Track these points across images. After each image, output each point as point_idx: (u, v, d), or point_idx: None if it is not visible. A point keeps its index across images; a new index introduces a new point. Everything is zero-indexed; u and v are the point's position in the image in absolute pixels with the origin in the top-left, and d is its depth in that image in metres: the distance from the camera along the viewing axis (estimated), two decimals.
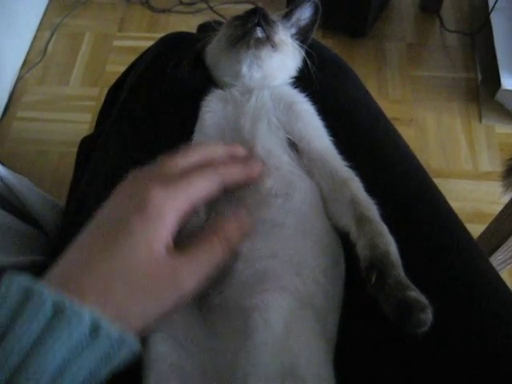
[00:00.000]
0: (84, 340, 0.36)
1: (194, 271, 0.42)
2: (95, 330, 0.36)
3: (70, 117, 1.68)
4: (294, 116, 0.58)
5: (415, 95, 1.71)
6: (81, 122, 1.65)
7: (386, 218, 0.51)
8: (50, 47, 1.87)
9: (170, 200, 0.43)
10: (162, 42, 0.76)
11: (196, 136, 0.59)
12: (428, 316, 0.43)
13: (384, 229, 0.50)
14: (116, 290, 0.39)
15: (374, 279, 0.46)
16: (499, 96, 1.61)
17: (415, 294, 0.44)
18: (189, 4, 1.95)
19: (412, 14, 1.93)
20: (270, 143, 0.56)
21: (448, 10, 1.92)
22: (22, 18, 1.82)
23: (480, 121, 1.63)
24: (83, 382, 0.36)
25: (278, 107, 0.59)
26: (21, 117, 1.69)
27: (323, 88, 0.64)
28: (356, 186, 0.54)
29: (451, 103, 1.68)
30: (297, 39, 0.66)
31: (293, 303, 0.45)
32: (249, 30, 0.60)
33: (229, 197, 0.53)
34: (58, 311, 0.35)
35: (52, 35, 1.89)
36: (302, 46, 0.66)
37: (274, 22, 0.62)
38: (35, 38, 1.89)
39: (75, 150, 0.89)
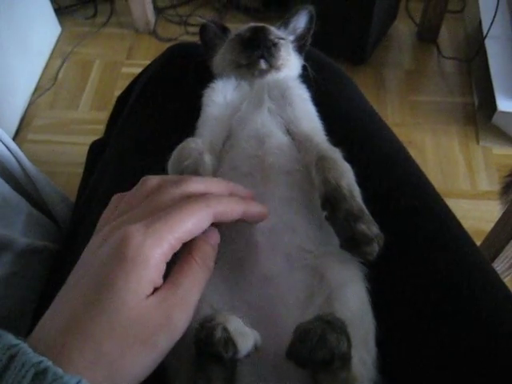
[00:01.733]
0: None
1: (184, 304, 0.40)
2: None
3: (79, 139, 1.72)
4: (287, 101, 0.62)
5: (414, 119, 1.75)
6: (89, 145, 1.69)
7: (375, 203, 0.52)
8: (60, 74, 1.94)
9: (153, 241, 0.38)
10: (170, 51, 0.81)
11: (199, 126, 0.62)
12: (373, 248, 0.46)
13: (338, 164, 0.52)
14: (107, 349, 0.36)
15: (327, 212, 0.49)
16: (496, 119, 1.65)
17: (364, 226, 0.46)
18: (194, 33, 2.03)
19: (410, 43, 2.00)
20: (271, 126, 0.60)
21: (444, 38, 1.99)
22: (35, 46, 1.90)
23: (478, 143, 1.67)
24: None
25: (273, 93, 0.63)
26: (31, 139, 1.74)
27: (321, 91, 0.67)
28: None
29: (449, 126, 1.72)
30: (295, 46, 0.70)
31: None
32: (253, 62, 0.64)
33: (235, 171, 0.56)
34: (40, 377, 0.33)
35: (63, 63, 1.97)
36: (300, 54, 0.70)
37: (275, 46, 0.65)
38: (47, 65, 1.97)
39: (82, 170, 0.93)
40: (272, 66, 0.64)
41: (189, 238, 0.41)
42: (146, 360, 0.37)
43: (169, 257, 0.39)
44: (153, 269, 0.38)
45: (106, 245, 0.39)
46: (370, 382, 0.44)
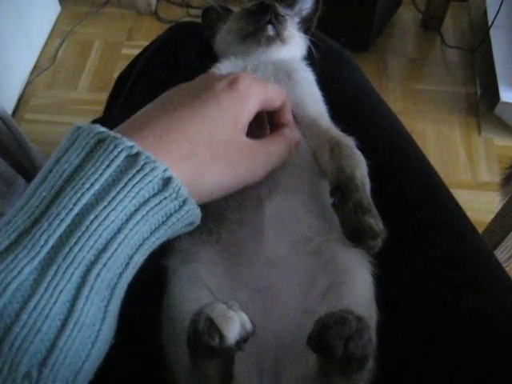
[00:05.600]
0: (154, 188, 0.36)
1: (268, 157, 0.46)
2: (166, 182, 0.36)
3: (77, 120, 1.66)
4: (292, 83, 0.61)
5: (416, 107, 1.74)
6: None
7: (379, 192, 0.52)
8: (60, 53, 1.91)
9: (257, 86, 0.45)
10: (171, 30, 0.79)
11: None
12: (377, 243, 0.45)
13: (354, 153, 0.51)
14: (200, 152, 0.40)
15: (336, 200, 0.48)
16: (498, 110, 1.64)
17: (371, 220, 0.46)
18: (196, 16, 2.00)
19: (413, 31, 1.98)
20: None
21: (448, 27, 1.97)
22: (34, 25, 1.87)
23: (479, 133, 1.66)
24: (143, 239, 0.36)
25: (279, 75, 0.62)
26: (29, 119, 1.73)
27: (326, 75, 0.66)
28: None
29: (451, 116, 1.71)
30: (300, 28, 0.69)
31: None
32: (260, 28, 0.63)
33: None
34: (131, 158, 0.35)
35: (62, 42, 1.94)
36: (306, 35, 0.69)
37: (283, 17, 0.64)
38: (46, 44, 1.94)
39: None
40: (279, 35, 0.63)
41: (269, 106, 0.48)
42: (224, 181, 0.42)
43: (254, 113, 0.45)
44: (252, 107, 0.45)
45: (216, 78, 0.45)
46: (368, 372, 0.44)
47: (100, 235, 0.34)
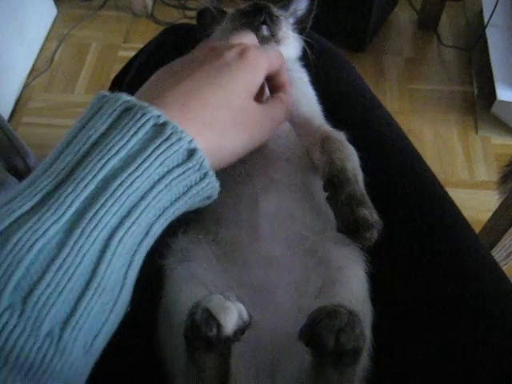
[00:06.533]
0: (179, 158, 0.36)
1: (273, 120, 0.48)
2: (191, 153, 0.37)
3: (74, 123, 1.70)
4: None
5: (413, 107, 1.74)
6: None
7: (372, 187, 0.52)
8: (56, 57, 1.91)
9: (263, 55, 0.47)
10: (167, 32, 0.80)
11: None
12: (373, 234, 0.45)
13: (344, 146, 0.51)
14: (222, 117, 0.41)
15: (329, 194, 0.48)
16: (495, 108, 1.64)
17: (366, 211, 0.46)
18: (192, 18, 2.00)
19: (410, 30, 1.98)
20: None
21: (445, 26, 1.97)
22: (31, 28, 1.87)
23: (476, 132, 1.66)
24: (163, 208, 0.37)
25: None
26: (26, 122, 1.72)
27: (321, 74, 0.67)
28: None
29: (448, 115, 1.71)
30: (295, 28, 0.69)
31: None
32: (255, 28, 0.62)
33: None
34: (158, 127, 0.36)
35: (59, 45, 1.94)
36: (301, 36, 0.69)
37: (277, 17, 0.64)
38: (43, 47, 1.94)
39: None
40: (274, 35, 0.63)
41: (273, 71, 0.50)
42: (242, 144, 0.44)
43: (261, 83, 0.47)
44: (261, 76, 0.47)
45: (220, 49, 0.46)
46: (363, 369, 0.44)
47: (124, 201, 0.34)
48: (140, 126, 0.36)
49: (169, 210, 0.37)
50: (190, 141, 0.37)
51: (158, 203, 0.36)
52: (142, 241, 0.36)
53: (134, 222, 0.35)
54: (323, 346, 0.37)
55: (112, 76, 1.81)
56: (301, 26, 0.71)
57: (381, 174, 0.59)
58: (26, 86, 1.81)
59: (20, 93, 1.79)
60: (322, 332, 0.37)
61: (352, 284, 0.46)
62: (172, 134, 0.36)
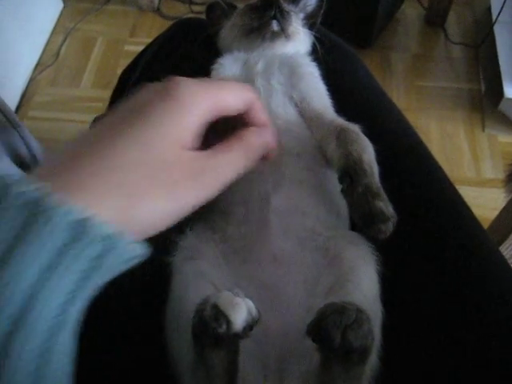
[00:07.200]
0: (64, 235, 0.29)
1: (217, 170, 0.38)
2: (80, 224, 0.30)
3: (80, 117, 1.71)
4: (297, 78, 0.61)
5: (420, 104, 1.73)
6: (89, 122, 1.68)
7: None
8: (62, 50, 1.91)
9: (202, 91, 0.38)
10: (176, 26, 0.79)
11: None
12: (388, 227, 0.44)
13: (361, 138, 0.51)
14: (129, 183, 0.33)
15: (345, 186, 0.47)
16: (502, 106, 1.63)
17: (382, 204, 0.45)
18: (199, 12, 2.00)
19: (417, 27, 1.97)
20: (282, 104, 0.59)
21: (452, 23, 1.96)
22: (37, 22, 1.87)
23: (483, 130, 1.65)
24: (75, 287, 0.30)
25: (284, 70, 0.61)
26: (32, 116, 1.72)
27: (330, 70, 0.66)
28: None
29: (455, 112, 1.71)
30: (305, 24, 0.69)
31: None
32: (265, 23, 0.63)
33: None
34: (33, 208, 0.29)
35: (65, 39, 1.94)
36: (311, 31, 0.69)
37: (287, 12, 0.64)
38: (49, 41, 1.94)
39: None
40: (284, 30, 0.63)
41: (225, 110, 0.40)
42: (163, 209, 0.35)
43: (203, 122, 0.38)
44: (195, 118, 0.37)
45: (149, 89, 0.38)
46: (371, 369, 0.43)
47: (14, 301, 0.28)
48: (9, 207, 0.29)
49: (81, 290, 0.31)
50: (70, 212, 0.30)
51: (57, 291, 0.30)
52: (53, 335, 0.29)
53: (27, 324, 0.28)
54: (330, 341, 0.37)
55: (118, 70, 1.83)
56: (310, 22, 0.71)
57: (390, 171, 0.59)
58: (31, 80, 1.81)
59: (26, 87, 1.79)
60: (328, 327, 0.37)
61: (363, 284, 0.46)
62: (52, 208, 0.29)
